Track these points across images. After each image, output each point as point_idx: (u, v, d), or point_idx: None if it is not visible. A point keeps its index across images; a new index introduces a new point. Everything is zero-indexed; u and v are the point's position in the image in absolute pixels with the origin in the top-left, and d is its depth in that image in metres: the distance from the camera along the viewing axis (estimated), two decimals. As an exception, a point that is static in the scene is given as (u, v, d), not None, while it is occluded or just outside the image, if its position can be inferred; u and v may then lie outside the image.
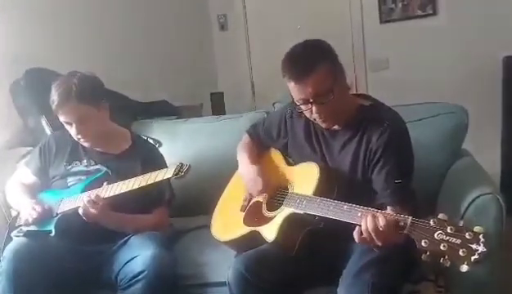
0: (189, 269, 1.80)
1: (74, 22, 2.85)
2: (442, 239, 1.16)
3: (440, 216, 1.20)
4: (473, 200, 1.54)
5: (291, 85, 1.52)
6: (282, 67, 1.54)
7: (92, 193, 1.74)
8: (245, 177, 1.79)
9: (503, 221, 1.52)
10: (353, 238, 1.54)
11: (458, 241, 1.14)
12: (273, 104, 2.38)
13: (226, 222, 1.80)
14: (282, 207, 1.61)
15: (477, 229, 1.14)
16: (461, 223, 1.17)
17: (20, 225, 1.83)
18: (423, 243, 1.18)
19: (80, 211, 1.72)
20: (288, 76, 1.51)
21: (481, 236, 1.13)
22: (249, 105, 3.90)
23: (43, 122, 2.38)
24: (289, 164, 1.77)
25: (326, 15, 3.64)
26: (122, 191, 1.73)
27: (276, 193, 1.70)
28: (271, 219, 1.62)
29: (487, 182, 1.66)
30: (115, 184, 1.76)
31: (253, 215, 1.70)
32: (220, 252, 1.77)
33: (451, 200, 1.70)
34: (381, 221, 1.29)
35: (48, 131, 2.34)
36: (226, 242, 1.75)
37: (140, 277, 1.63)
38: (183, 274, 1.78)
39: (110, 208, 1.77)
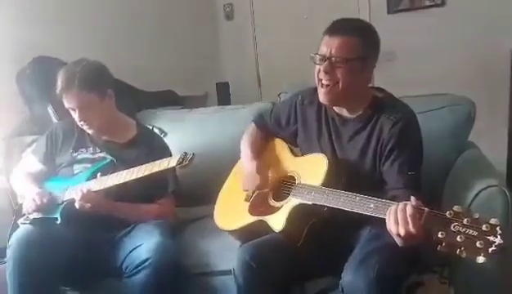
0: (193, 258, 1.81)
1: (80, 11, 2.85)
2: (459, 231, 1.15)
3: (455, 208, 1.19)
4: (479, 192, 1.54)
5: (323, 39, 1.57)
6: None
7: (84, 188, 1.75)
8: (244, 172, 1.79)
9: (509, 214, 1.51)
10: (359, 229, 1.54)
11: (475, 233, 1.14)
12: (279, 94, 2.38)
13: (231, 212, 1.80)
14: (290, 197, 1.61)
15: (493, 221, 1.14)
16: (477, 215, 1.17)
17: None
18: (439, 235, 1.17)
19: (77, 205, 1.73)
20: (327, 30, 1.57)
21: (498, 228, 1.12)
22: (255, 95, 3.89)
23: (49, 110, 2.39)
24: (294, 154, 1.77)
25: (333, 4, 3.60)
26: (126, 179, 1.73)
27: (282, 183, 1.70)
28: (278, 209, 1.62)
29: (493, 175, 1.66)
30: (120, 172, 1.76)
31: (259, 204, 1.70)
32: (224, 241, 1.78)
33: (456, 192, 1.69)
34: (408, 209, 1.26)
35: (54, 119, 2.35)
36: (230, 232, 1.75)
37: (145, 264, 1.64)
38: (188, 263, 1.79)
39: (114, 197, 1.78)
